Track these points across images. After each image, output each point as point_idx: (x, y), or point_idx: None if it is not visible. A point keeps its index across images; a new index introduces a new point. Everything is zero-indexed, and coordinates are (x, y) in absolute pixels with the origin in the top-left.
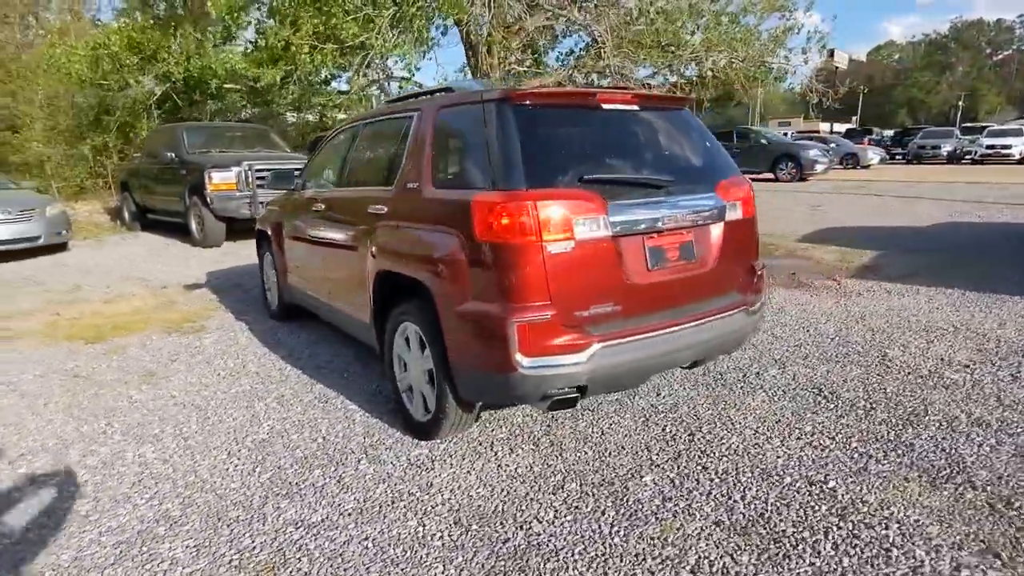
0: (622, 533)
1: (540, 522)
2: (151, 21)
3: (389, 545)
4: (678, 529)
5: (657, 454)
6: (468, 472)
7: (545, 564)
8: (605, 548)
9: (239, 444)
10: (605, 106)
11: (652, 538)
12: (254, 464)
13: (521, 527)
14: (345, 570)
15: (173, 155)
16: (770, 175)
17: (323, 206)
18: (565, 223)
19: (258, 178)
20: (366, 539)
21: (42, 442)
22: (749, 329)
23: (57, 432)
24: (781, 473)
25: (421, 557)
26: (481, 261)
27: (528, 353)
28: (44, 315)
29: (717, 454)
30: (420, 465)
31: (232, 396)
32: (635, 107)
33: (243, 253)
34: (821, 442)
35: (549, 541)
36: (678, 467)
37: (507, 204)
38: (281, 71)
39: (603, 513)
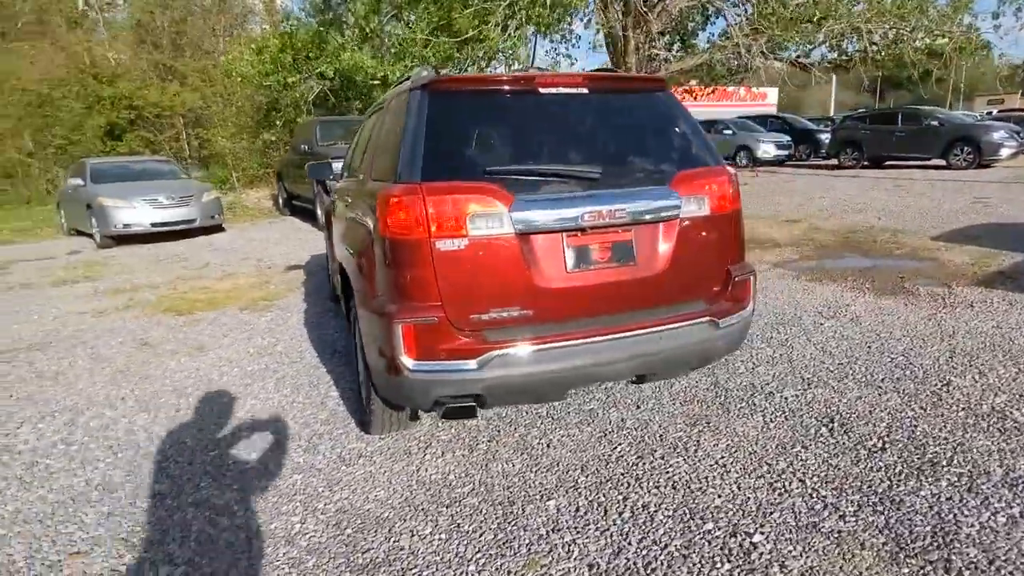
0: (482, 561)
1: (412, 536)
2: (313, 25)
3: (260, 538)
4: (543, 567)
5: (587, 476)
6: (383, 473)
7: None
8: (454, 575)
9: (216, 423)
10: (543, 91)
11: (510, 572)
12: (214, 443)
13: (389, 539)
14: (209, 556)
15: (306, 146)
16: (941, 161)
17: (336, 194)
18: (457, 219)
19: None
20: (242, 528)
21: (72, 403)
22: (719, 344)
23: (89, 394)
24: (706, 518)
25: (278, 555)
26: (382, 257)
27: (415, 356)
28: (164, 288)
29: (650, 485)
30: (345, 460)
31: (243, 374)
32: (583, 91)
33: None
34: (785, 485)
35: (405, 558)
36: (597, 495)
37: (401, 198)
38: (401, 67)
39: (480, 536)
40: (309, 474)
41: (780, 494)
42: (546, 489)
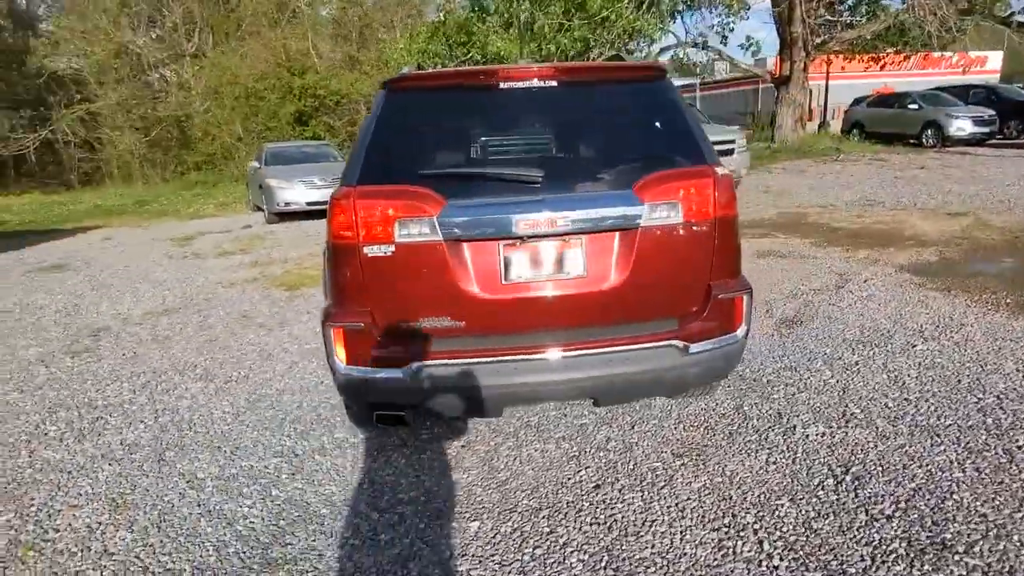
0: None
1: (329, 538)
2: (467, 13)
3: (209, 516)
4: None
5: (530, 500)
6: (347, 467)
7: None
8: None
9: (246, 399)
10: (505, 86)
11: None
12: (234, 415)
13: (309, 538)
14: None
15: None
16: None
17: None
18: (384, 224)
19: None
20: (194, 503)
21: (157, 366)
22: (691, 372)
23: (174, 360)
24: (620, 570)
25: (206, 534)
26: (325, 260)
27: (346, 360)
28: (292, 264)
29: (585, 521)
30: (323, 451)
31: (299, 352)
32: (552, 84)
33: None
34: (737, 546)
35: (310, 560)
36: (525, 523)
37: (338, 202)
38: (537, 52)
39: (387, 550)
40: (284, 459)
41: (723, 556)
42: (482, 508)
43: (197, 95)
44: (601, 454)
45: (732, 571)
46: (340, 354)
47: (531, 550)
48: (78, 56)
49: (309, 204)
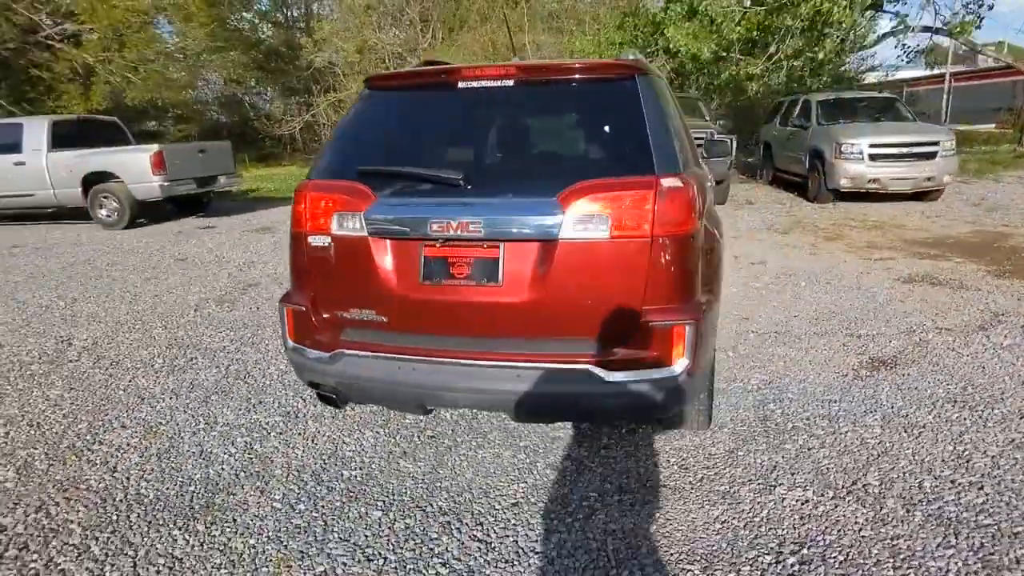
0: (268, 540)
1: (261, 495)
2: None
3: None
4: (286, 567)
5: (444, 501)
6: (319, 436)
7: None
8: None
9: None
10: (463, 86)
11: (268, 558)
12: (257, 390)
13: (246, 494)
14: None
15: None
16: None
17: None
18: (325, 216)
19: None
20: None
21: (262, 321)
22: (608, 403)
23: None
24: None
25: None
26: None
27: (292, 337)
28: None
29: (475, 536)
30: (315, 418)
31: None
32: (508, 84)
33: None
34: None
35: (229, 512)
36: (426, 523)
37: (297, 193)
38: (711, 44)
39: (293, 518)
40: (284, 418)
41: None
42: (393, 500)
43: None
44: (548, 472)
45: None
46: (288, 332)
47: (411, 549)
48: (335, 52)
49: None
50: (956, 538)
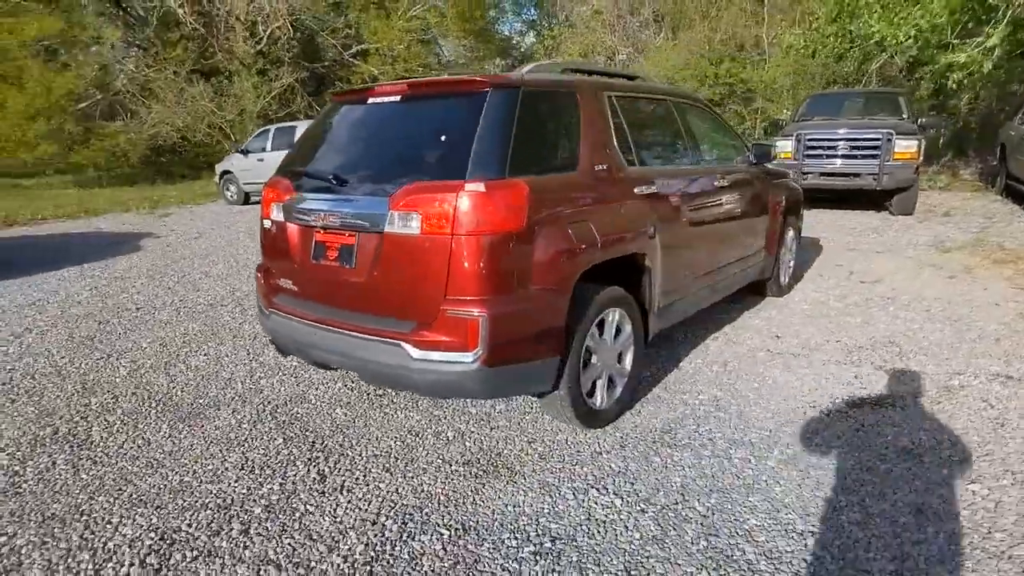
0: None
1: (189, 433)
2: None
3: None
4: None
5: (345, 440)
6: (291, 380)
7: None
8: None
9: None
10: (371, 101)
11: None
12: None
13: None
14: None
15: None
16: None
17: None
18: (268, 204)
19: (811, 147)
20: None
21: None
22: (415, 378)
23: None
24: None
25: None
26: None
27: (261, 295)
28: None
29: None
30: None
31: None
32: (395, 99)
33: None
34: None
35: (133, 445)
36: (318, 450)
37: (264, 187)
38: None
39: (201, 459)
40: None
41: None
42: (303, 434)
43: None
44: (423, 436)
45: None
46: (258, 291)
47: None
48: (560, 57)
49: None
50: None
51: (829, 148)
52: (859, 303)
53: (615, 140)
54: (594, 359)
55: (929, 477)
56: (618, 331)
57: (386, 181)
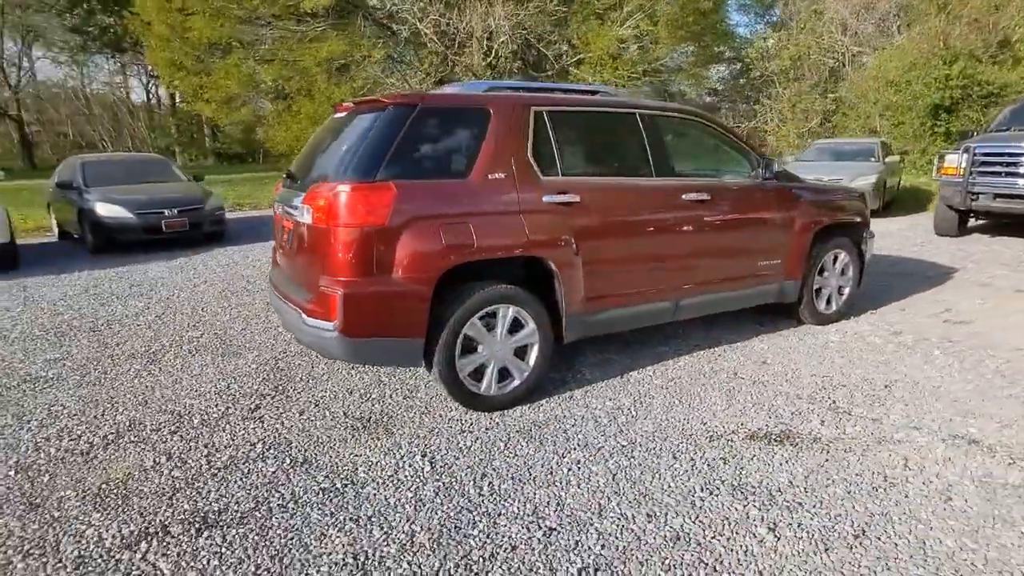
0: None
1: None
2: None
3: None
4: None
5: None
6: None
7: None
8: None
9: None
10: (335, 115)
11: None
12: None
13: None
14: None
15: None
16: None
17: None
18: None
19: (987, 162)
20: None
21: None
22: (306, 339)
23: None
24: None
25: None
26: None
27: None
28: None
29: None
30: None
31: None
32: (343, 114)
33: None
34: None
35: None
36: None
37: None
38: None
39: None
40: None
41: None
42: (252, 390)
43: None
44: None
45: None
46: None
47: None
48: (770, 60)
49: None
50: None
51: (1011, 164)
52: (908, 344)
53: (530, 151)
54: (481, 348)
55: None
56: (518, 327)
57: (311, 181)
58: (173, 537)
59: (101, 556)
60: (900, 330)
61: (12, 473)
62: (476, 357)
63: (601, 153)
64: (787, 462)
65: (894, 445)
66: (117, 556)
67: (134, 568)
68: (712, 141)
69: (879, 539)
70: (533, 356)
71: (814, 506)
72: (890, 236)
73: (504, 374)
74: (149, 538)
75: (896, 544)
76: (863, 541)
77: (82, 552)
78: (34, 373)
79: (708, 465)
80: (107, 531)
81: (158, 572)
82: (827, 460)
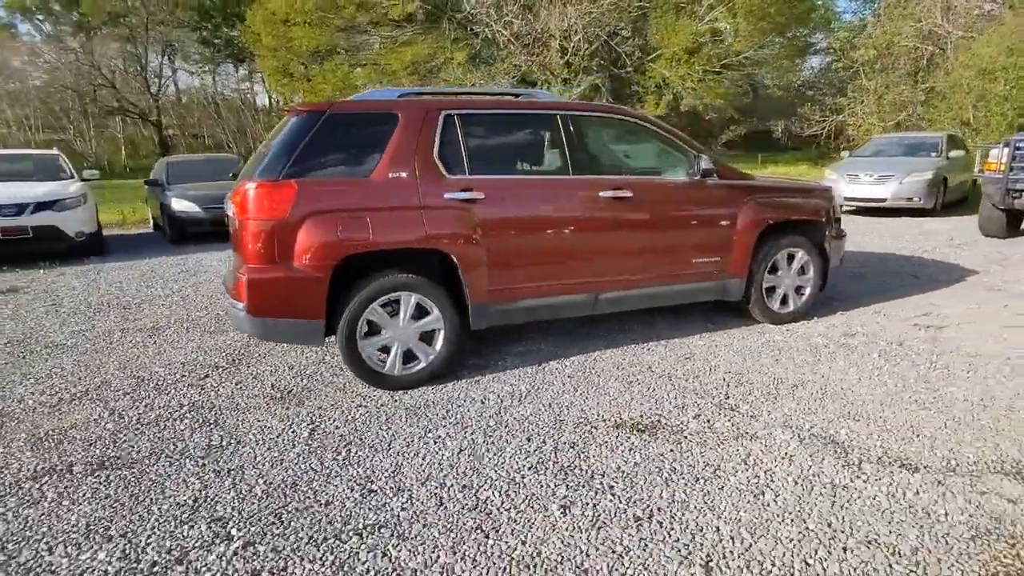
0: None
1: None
2: None
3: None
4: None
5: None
6: None
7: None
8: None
9: None
10: (283, 117)
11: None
12: None
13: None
14: None
15: None
16: None
17: None
18: None
19: None
20: None
21: None
22: (233, 316)
23: None
24: None
25: None
26: None
27: None
28: None
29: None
30: None
31: None
32: (285, 117)
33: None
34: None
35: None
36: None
37: None
38: None
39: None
40: None
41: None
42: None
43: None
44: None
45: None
46: None
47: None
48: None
49: None
50: None
51: None
52: (852, 346)
53: (436, 152)
54: (384, 332)
55: None
56: (424, 314)
57: (241, 180)
58: (72, 475)
59: (10, 482)
60: (855, 332)
61: None
62: (379, 339)
63: (512, 153)
64: (631, 450)
65: (748, 441)
66: (22, 484)
67: (29, 494)
68: (647, 140)
69: (659, 523)
70: (439, 341)
71: (623, 490)
72: (933, 236)
73: (411, 356)
74: (52, 474)
75: (671, 529)
76: (642, 523)
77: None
78: (58, 341)
79: (555, 448)
80: (28, 465)
81: (44, 498)
82: (671, 451)
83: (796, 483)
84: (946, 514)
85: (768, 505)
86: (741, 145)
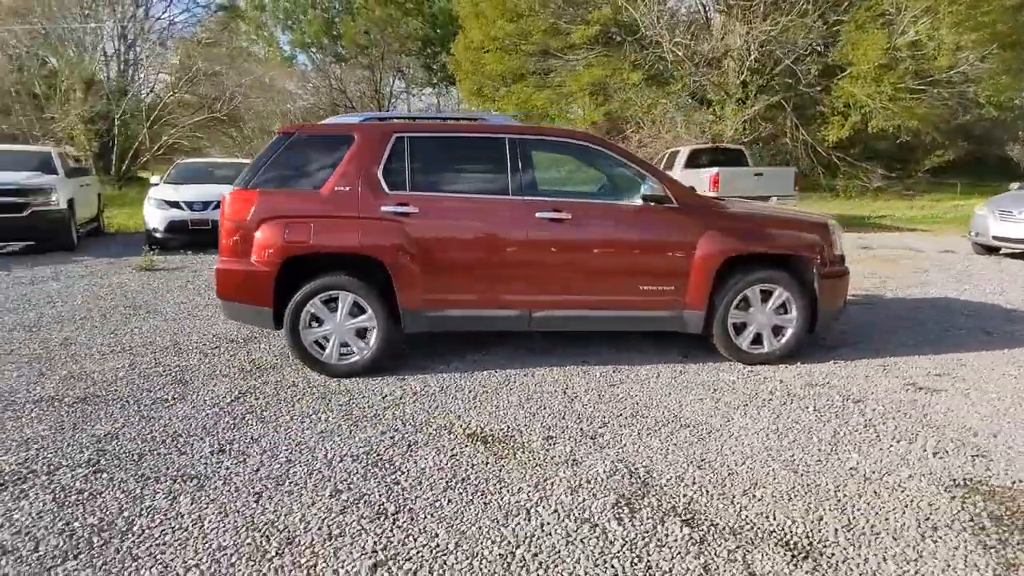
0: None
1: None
2: None
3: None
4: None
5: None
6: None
7: None
8: None
9: None
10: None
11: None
12: None
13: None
14: None
15: None
16: None
17: None
18: None
19: None
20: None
21: None
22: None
23: None
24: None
25: None
26: None
27: None
28: None
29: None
30: None
31: None
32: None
33: None
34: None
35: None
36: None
37: None
38: None
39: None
40: None
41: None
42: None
43: None
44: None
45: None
46: None
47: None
48: None
49: None
50: None
51: None
52: (800, 396)
53: (381, 170)
54: (326, 324)
55: None
56: (361, 312)
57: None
58: (19, 405)
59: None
60: (822, 383)
61: None
62: (319, 330)
63: (455, 173)
64: (454, 455)
65: (565, 468)
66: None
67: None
68: (600, 164)
69: (410, 516)
70: (372, 338)
71: (409, 482)
72: None
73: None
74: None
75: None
76: (396, 518)
77: None
78: (52, 315)
79: (393, 444)
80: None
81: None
82: (485, 462)
83: (557, 514)
84: (670, 570)
85: (502, 530)
86: (950, 171)
